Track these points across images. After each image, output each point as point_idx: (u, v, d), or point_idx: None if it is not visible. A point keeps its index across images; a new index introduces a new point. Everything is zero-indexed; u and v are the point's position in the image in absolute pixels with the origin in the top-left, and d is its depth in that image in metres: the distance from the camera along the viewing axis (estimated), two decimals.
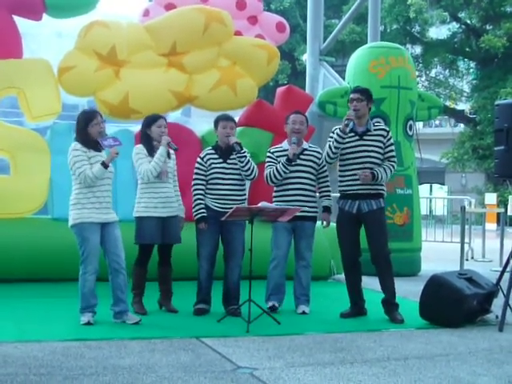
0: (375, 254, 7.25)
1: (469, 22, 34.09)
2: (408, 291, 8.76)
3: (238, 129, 8.70)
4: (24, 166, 9.40)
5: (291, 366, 5.32)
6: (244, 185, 7.59)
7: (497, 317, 7.09)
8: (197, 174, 7.44)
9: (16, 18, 9.60)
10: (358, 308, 7.45)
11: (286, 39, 13.38)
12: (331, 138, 7.25)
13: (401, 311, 7.22)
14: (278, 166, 7.48)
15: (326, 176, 7.67)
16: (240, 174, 7.43)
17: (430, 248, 14.02)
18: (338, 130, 7.18)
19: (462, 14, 33.92)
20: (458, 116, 37.15)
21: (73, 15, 10.14)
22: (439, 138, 37.32)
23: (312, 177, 7.59)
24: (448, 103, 35.46)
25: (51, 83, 9.62)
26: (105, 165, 6.54)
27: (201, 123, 11.31)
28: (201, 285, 7.42)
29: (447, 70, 35.76)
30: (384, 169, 7.24)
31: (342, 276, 7.83)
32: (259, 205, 6.80)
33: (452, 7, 32.24)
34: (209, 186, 7.40)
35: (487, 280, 7.47)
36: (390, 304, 7.27)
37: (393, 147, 7.38)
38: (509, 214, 18.46)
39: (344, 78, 12.49)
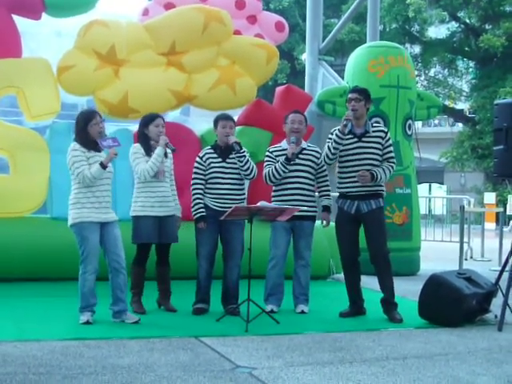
0: (374, 254, 7.26)
1: (468, 21, 34.11)
2: (407, 290, 8.76)
3: (237, 128, 8.69)
4: (23, 165, 9.40)
5: (290, 365, 5.33)
6: (243, 184, 7.59)
7: (496, 316, 7.10)
8: (196, 173, 7.44)
9: (15, 17, 9.60)
10: (357, 307, 7.45)
11: (285, 38, 13.39)
12: (330, 139, 7.26)
13: (400, 311, 7.22)
14: (276, 165, 7.48)
15: (326, 175, 7.67)
16: (239, 174, 7.43)
17: (429, 247, 14.02)
18: (336, 131, 7.19)
19: (461, 14, 33.93)
20: (457, 115, 37.16)
21: (72, 14, 10.15)
22: (438, 137, 37.33)
23: (311, 176, 7.59)
24: (447, 102, 35.47)
25: (50, 82, 9.62)
26: (103, 165, 6.53)
27: (200, 122, 11.32)
28: (200, 284, 7.42)
29: (446, 70, 35.77)
30: (383, 169, 7.24)
31: (341, 275, 7.84)
32: (258, 204, 6.80)
33: (451, 6, 32.25)
34: (208, 186, 7.40)
35: (486, 279, 7.48)
36: (388, 303, 7.27)
37: (391, 148, 7.38)
38: (508, 213, 18.46)
39: (343, 78, 12.49)
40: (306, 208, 7.36)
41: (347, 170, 7.29)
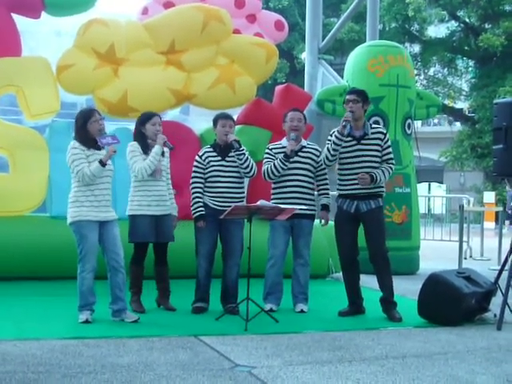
0: (373, 253, 7.26)
1: (467, 20, 34.08)
2: (406, 290, 8.77)
3: (237, 127, 8.69)
4: (23, 164, 9.39)
5: (289, 364, 5.33)
6: (243, 183, 7.59)
7: (495, 315, 7.10)
8: (195, 172, 7.45)
9: (15, 16, 9.60)
10: (356, 306, 7.45)
11: (284, 38, 13.39)
12: (329, 140, 7.26)
13: (399, 310, 7.23)
14: (275, 161, 7.48)
15: (325, 174, 7.67)
16: (239, 172, 7.43)
17: (428, 246, 14.03)
18: (335, 133, 7.18)
19: (460, 13, 33.91)
20: (457, 114, 37.15)
21: (71, 13, 10.15)
22: (438, 136, 37.31)
23: (310, 174, 7.59)
24: (447, 102, 35.45)
25: (50, 81, 9.62)
26: (102, 163, 6.53)
27: (199, 121, 11.31)
28: (199, 283, 7.42)
29: (446, 69, 35.73)
30: (382, 171, 7.24)
31: (341, 274, 7.84)
32: (258, 203, 6.80)
33: (450, 6, 32.23)
34: (207, 184, 7.40)
35: (485, 279, 7.48)
36: (388, 302, 7.27)
37: (390, 149, 7.39)
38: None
39: (343, 77, 12.49)
40: (305, 206, 7.36)
41: (347, 172, 7.30)
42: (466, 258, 13.59)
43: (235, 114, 9.87)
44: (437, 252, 14.56)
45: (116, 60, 9.70)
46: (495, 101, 8.03)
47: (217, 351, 5.66)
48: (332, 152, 7.22)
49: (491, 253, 14.05)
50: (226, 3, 11.36)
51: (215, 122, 7.50)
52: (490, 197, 28.88)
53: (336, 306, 7.59)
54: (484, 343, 6.28)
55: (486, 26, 32.84)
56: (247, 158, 7.37)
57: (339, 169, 7.40)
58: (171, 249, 7.55)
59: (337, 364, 5.37)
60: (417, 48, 35.22)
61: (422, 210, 17.95)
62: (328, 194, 7.70)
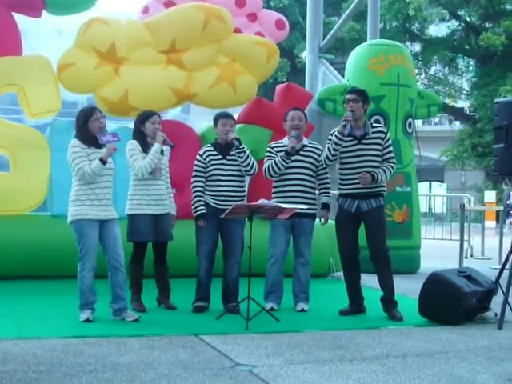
0: (374, 252, 7.26)
1: (468, 19, 34.09)
2: (407, 289, 8.77)
3: (238, 126, 8.71)
4: (23, 163, 9.40)
5: (290, 363, 5.33)
6: (243, 182, 7.59)
7: (496, 314, 7.10)
8: (196, 171, 7.45)
9: (16, 15, 9.60)
10: (356, 305, 7.45)
11: (285, 36, 13.38)
12: (330, 140, 7.25)
13: (400, 309, 7.23)
14: (276, 159, 7.47)
15: (326, 173, 7.67)
16: (239, 171, 7.43)
17: (429, 246, 14.03)
18: (336, 132, 7.18)
19: (461, 12, 33.91)
20: (458, 114, 37.15)
21: (72, 12, 10.15)
22: (438, 135, 37.31)
23: (311, 173, 7.58)
24: (447, 101, 35.44)
25: (51, 80, 9.62)
26: (102, 161, 6.53)
27: (200, 120, 11.30)
28: (200, 282, 7.42)
29: (447, 68, 35.74)
30: (383, 170, 7.24)
31: (341, 273, 7.83)
32: (258, 202, 6.80)
33: (451, 5, 32.24)
34: (208, 183, 7.40)
35: (486, 278, 7.48)
36: (388, 301, 7.27)
37: (391, 148, 7.38)
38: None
39: (343, 76, 12.49)
40: (306, 206, 7.35)
41: (348, 171, 7.29)
42: (466, 257, 13.58)
43: (236, 112, 9.86)
44: (437, 251, 14.55)
45: (117, 59, 9.70)
46: (496, 100, 8.03)
47: (217, 350, 5.66)
48: (332, 152, 7.22)
49: (492, 252, 14.06)
50: (227, 2, 11.36)
51: (216, 121, 7.50)
52: (490, 196, 28.91)
53: (337, 305, 7.59)
54: (485, 342, 6.28)
55: (487, 25, 32.85)
56: (248, 156, 7.37)
57: (340, 168, 7.40)
58: (171, 248, 7.55)
59: (337, 363, 5.37)
60: (417, 47, 35.21)
61: (423, 209, 17.95)
62: (329, 193, 7.70)
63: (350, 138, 7.24)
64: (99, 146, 6.66)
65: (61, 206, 8.47)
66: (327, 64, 14.63)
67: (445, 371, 5.21)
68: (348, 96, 7.31)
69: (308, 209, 7.40)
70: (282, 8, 31.13)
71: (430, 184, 35.69)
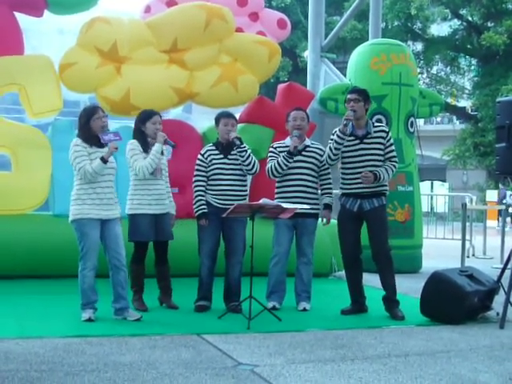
0: (376, 251, 7.26)
1: (470, 19, 34.06)
2: (409, 288, 8.77)
3: (239, 125, 8.70)
4: (25, 162, 9.41)
5: (292, 362, 5.33)
6: (245, 181, 7.59)
7: (498, 314, 7.09)
8: (198, 170, 7.44)
9: (17, 15, 9.60)
10: (358, 305, 7.45)
11: (287, 36, 13.38)
12: (332, 139, 7.25)
13: (401, 308, 7.22)
14: (279, 159, 7.47)
15: (328, 173, 7.67)
16: (241, 170, 7.42)
17: (430, 245, 14.02)
18: (337, 132, 7.18)
19: (463, 11, 33.89)
20: (460, 113, 37.13)
21: (74, 12, 10.15)
22: (440, 134, 37.31)
23: (314, 173, 7.58)
24: (449, 100, 35.43)
25: (52, 80, 9.62)
26: (104, 160, 6.53)
27: (202, 120, 11.31)
28: (202, 281, 7.42)
29: (448, 67, 35.73)
30: (386, 169, 7.23)
31: (343, 273, 7.82)
32: (260, 201, 6.80)
33: (453, 4, 32.22)
34: (210, 182, 7.40)
35: (488, 277, 7.47)
36: (390, 301, 7.27)
37: (393, 147, 7.38)
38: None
39: (345, 75, 12.49)
40: (308, 206, 7.35)
41: (350, 171, 7.29)
42: (468, 257, 13.59)
43: (238, 112, 9.87)
44: (439, 250, 14.55)
45: (119, 58, 9.70)
46: (498, 99, 8.03)
47: (219, 349, 5.66)
48: (334, 151, 7.22)
49: (494, 251, 14.06)
50: (229, 1, 11.35)
51: (217, 120, 7.50)
52: (492, 195, 28.90)
53: (339, 304, 7.59)
54: (487, 341, 6.27)
55: (489, 24, 32.82)
56: (249, 155, 7.37)
57: (342, 168, 7.39)
58: (173, 247, 7.55)
59: (339, 362, 5.36)
60: (419, 46, 35.19)
61: (425, 208, 17.95)
62: (331, 193, 7.70)
63: (351, 138, 7.24)
64: (101, 145, 6.66)
65: (62, 206, 8.48)
66: (329, 63, 14.64)
67: (447, 370, 5.20)
68: (349, 96, 7.31)
69: (310, 209, 7.40)
70: (284, 7, 31.12)
71: (432, 183, 35.67)
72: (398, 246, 9.59)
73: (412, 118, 11.55)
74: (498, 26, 31.06)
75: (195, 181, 7.44)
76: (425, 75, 35.45)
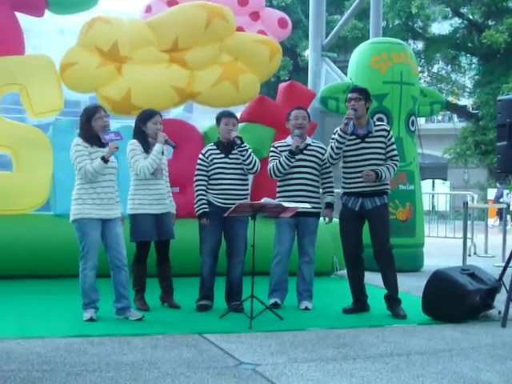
0: (378, 250, 7.25)
1: (471, 17, 34.02)
2: (411, 287, 8.77)
3: (240, 125, 8.70)
4: (26, 162, 9.41)
5: (294, 361, 5.33)
6: (247, 180, 7.58)
7: (499, 312, 7.09)
8: (199, 169, 7.44)
9: (18, 14, 9.61)
10: (360, 304, 7.44)
11: (288, 35, 13.40)
12: (333, 139, 7.25)
13: (403, 307, 7.22)
14: (280, 159, 7.47)
15: (330, 172, 7.67)
16: (242, 169, 7.42)
17: (432, 243, 14.02)
18: (338, 131, 7.17)
19: (464, 10, 33.85)
20: (461, 111, 37.11)
21: (75, 11, 10.15)
22: (441, 133, 37.29)
23: (315, 172, 7.58)
24: (450, 99, 35.40)
25: (53, 79, 9.62)
26: (104, 159, 6.53)
27: (203, 119, 11.30)
28: (203, 281, 7.41)
29: (449, 66, 35.68)
30: (387, 168, 7.22)
31: (345, 272, 7.82)
32: (261, 201, 6.79)
33: (454, 3, 32.18)
34: (211, 182, 7.39)
35: (490, 275, 7.47)
36: (392, 299, 7.27)
37: (394, 146, 7.37)
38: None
39: (346, 74, 12.49)
40: (309, 205, 7.34)
41: (351, 170, 7.28)
42: (470, 255, 13.58)
43: (239, 111, 9.87)
44: (441, 249, 14.54)
45: (119, 58, 9.70)
46: (499, 97, 8.02)
47: (221, 349, 5.66)
48: (335, 150, 7.21)
49: (495, 250, 14.06)
50: (230, 1, 11.36)
51: (218, 120, 7.50)
52: (493, 194, 28.86)
53: (340, 303, 7.59)
54: (488, 340, 6.27)
55: (490, 22, 32.76)
56: (250, 154, 7.37)
57: (344, 167, 7.39)
58: (174, 247, 7.55)
59: (341, 361, 5.36)
60: (420, 45, 35.16)
61: (426, 207, 17.92)
62: (332, 192, 7.70)
63: (353, 137, 7.24)
64: (102, 145, 6.66)
65: (64, 206, 8.48)
66: (330, 62, 14.63)
67: (448, 369, 5.20)
68: (350, 95, 7.31)
69: (312, 208, 7.39)
70: (285, 6, 31.07)
71: (433, 182, 35.70)
72: (400, 244, 9.59)
73: (413, 117, 11.54)
74: (499, 24, 31.01)
75: (196, 180, 7.43)
76: (426, 74, 35.40)
